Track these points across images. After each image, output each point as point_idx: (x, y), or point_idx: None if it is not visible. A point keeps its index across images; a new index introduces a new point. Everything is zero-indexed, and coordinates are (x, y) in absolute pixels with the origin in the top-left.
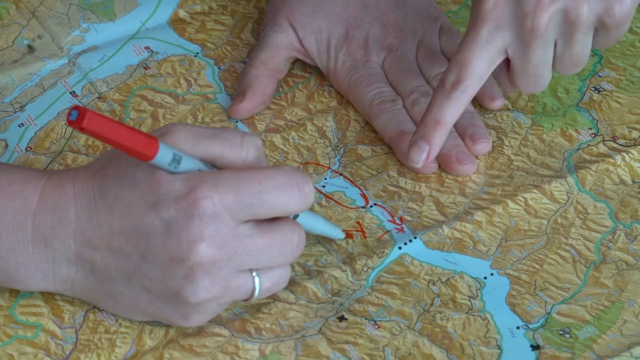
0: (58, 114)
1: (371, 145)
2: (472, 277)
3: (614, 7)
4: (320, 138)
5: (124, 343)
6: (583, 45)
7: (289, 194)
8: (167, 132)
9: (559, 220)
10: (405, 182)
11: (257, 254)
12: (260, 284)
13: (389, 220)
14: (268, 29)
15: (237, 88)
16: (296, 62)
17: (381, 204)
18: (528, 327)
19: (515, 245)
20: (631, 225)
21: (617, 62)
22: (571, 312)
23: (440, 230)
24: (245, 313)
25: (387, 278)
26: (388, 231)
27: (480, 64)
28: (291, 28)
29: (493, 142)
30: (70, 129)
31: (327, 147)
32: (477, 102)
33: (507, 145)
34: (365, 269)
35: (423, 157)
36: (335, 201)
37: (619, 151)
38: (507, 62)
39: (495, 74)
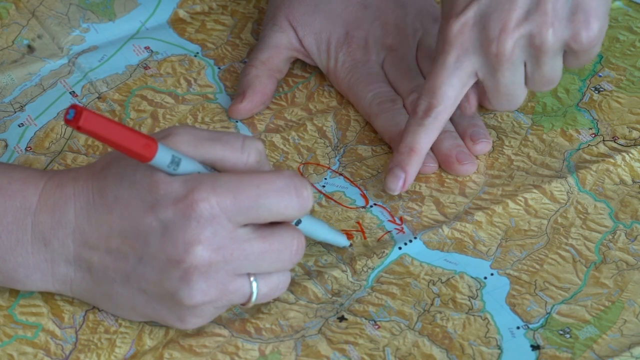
0: (58, 114)
1: (371, 145)
2: (472, 277)
3: (581, 33)
4: (320, 138)
5: (124, 343)
6: (552, 67)
7: (287, 199)
8: (169, 134)
9: (559, 220)
10: None
11: (254, 259)
12: (257, 289)
13: (389, 220)
14: (268, 29)
15: (237, 88)
16: (296, 62)
17: (381, 204)
18: (528, 327)
19: (516, 245)
20: (631, 225)
21: (617, 62)
22: (571, 312)
23: (440, 230)
24: (245, 313)
25: (387, 278)
26: (388, 231)
27: (451, 89)
28: (291, 28)
29: (493, 142)
30: (70, 129)
31: (327, 147)
32: (477, 102)
33: (507, 145)
34: (365, 269)
35: (399, 184)
36: (335, 201)
37: (619, 151)
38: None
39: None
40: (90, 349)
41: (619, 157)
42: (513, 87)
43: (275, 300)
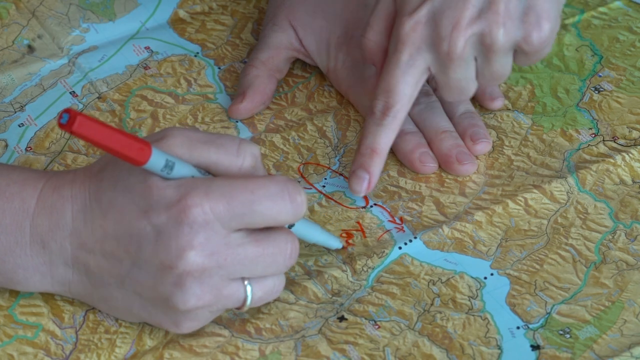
0: (58, 114)
1: None
2: (472, 277)
3: (532, 35)
4: (321, 138)
5: (124, 343)
6: (503, 64)
7: (280, 205)
8: (164, 137)
9: (559, 220)
10: (405, 182)
11: (248, 263)
12: (252, 293)
13: (389, 220)
14: (268, 29)
15: (237, 88)
16: (296, 62)
17: (381, 204)
18: (528, 327)
19: (516, 245)
20: (631, 225)
21: (617, 62)
22: (571, 312)
23: (440, 230)
24: (245, 313)
25: (387, 278)
26: (388, 231)
27: (406, 87)
28: (291, 28)
29: (493, 142)
30: None
31: (327, 147)
32: (477, 102)
33: (507, 145)
34: (365, 269)
35: (364, 186)
36: (335, 201)
37: (619, 151)
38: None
39: None
40: (91, 349)
41: (619, 157)
42: (465, 82)
43: (275, 300)
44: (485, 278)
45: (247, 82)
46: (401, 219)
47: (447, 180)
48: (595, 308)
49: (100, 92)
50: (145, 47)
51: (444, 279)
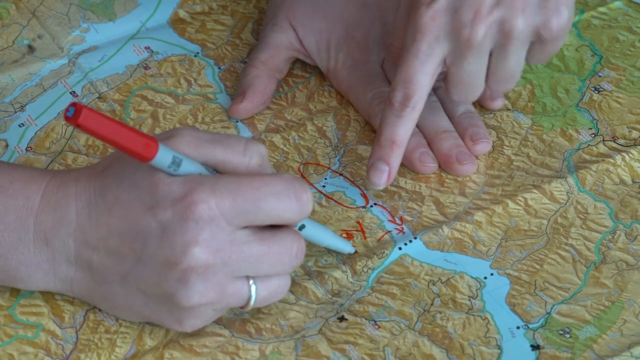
0: (58, 114)
1: (371, 145)
2: (472, 277)
3: (551, 20)
4: (321, 138)
5: (124, 343)
6: (517, 59)
7: (286, 203)
8: (172, 135)
9: (559, 220)
10: (405, 182)
11: (253, 261)
12: (256, 292)
13: (389, 220)
14: (268, 29)
15: (237, 88)
16: (296, 62)
17: (381, 204)
18: (528, 327)
19: (515, 245)
20: (631, 225)
21: (617, 62)
22: (571, 312)
23: (440, 230)
24: (245, 313)
25: (387, 278)
26: (388, 231)
27: (424, 77)
28: (291, 28)
29: (493, 142)
30: (70, 129)
31: (327, 147)
32: (477, 102)
33: (507, 145)
34: (365, 269)
35: (384, 178)
36: (336, 201)
37: (619, 151)
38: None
39: None
40: (91, 349)
41: (618, 157)
42: (476, 77)
43: None
44: (485, 278)
45: (247, 82)
46: (401, 218)
47: (447, 180)
48: (595, 308)
49: (100, 92)
50: (146, 47)
51: (444, 279)
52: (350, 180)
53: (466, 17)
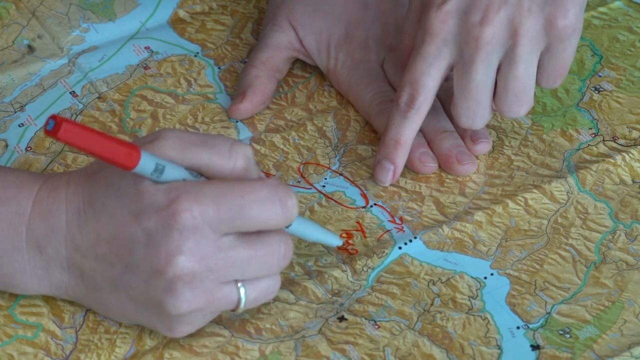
0: (58, 114)
1: (371, 145)
2: (472, 277)
3: (557, 18)
4: (320, 138)
5: (124, 343)
6: (526, 67)
7: (270, 209)
8: (156, 138)
9: (559, 220)
10: (405, 182)
11: (240, 265)
12: (246, 295)
13: (389, 220)
14: (268, 29)
15: (237, 88)
16: (296, 62)
17: (381, 204)
18: (528, 327)
19: (516, 245)
20: (631, 225)
21: (617, 62)
22: (571, 312)
23: (440, 230)
24: (245, 313)
25: (387, 278)
26: (388, 231)
27: (430, 80)
28: (291, 28)
29: (493, 142)
30: None
31: (327, 147)
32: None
33: (507, 145)
34: (365, 269)
35: (389, 176)
36: (336, 201)
37: (619, 151)
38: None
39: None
40: (91, 349)
41: (619, 157)
42: (482, 91)
43: (275, 300)
44: (485, 278)
45: (247, 82)
46: (401, 218)
47: (447, 180)
48: (595, 308)
49: (100, 92)
50: (145, 47)
51: (444, 279)
52: (350, 180)
53: (475, 18)
